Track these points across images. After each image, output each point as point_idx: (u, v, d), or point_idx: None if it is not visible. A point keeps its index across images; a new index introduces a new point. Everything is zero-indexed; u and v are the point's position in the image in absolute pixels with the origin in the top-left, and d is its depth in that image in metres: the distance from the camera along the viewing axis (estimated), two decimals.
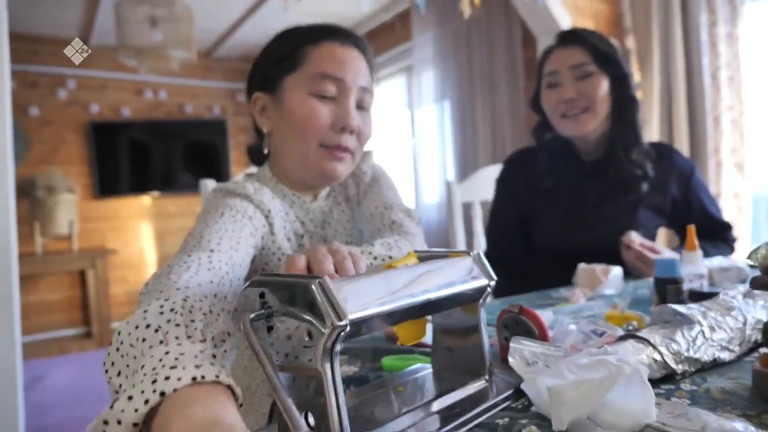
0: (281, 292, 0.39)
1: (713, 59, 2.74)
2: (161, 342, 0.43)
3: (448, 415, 0.47)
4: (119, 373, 0.44)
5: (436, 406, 0.49)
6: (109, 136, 4.66)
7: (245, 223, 0.79)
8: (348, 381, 0.60)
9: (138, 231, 4.85)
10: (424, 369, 0.59)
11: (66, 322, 4.49)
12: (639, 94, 2.85)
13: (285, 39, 0.90)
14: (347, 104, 0.86)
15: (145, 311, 0.46)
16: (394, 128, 4.56)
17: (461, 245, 1.74)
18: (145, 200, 4.88)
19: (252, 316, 0.39)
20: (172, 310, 0.46)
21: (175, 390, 0.37)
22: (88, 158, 4.60)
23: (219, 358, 0.42)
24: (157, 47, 3.31)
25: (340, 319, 0.37)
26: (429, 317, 0.56)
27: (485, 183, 1.73)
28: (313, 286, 0.37)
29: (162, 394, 0.37)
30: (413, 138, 4.22)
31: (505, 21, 3.33)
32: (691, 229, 0.91)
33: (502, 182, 1.49)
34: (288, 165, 0.91)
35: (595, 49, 1.27)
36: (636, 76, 2.91)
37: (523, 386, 0.48)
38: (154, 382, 0.38)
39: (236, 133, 5.22)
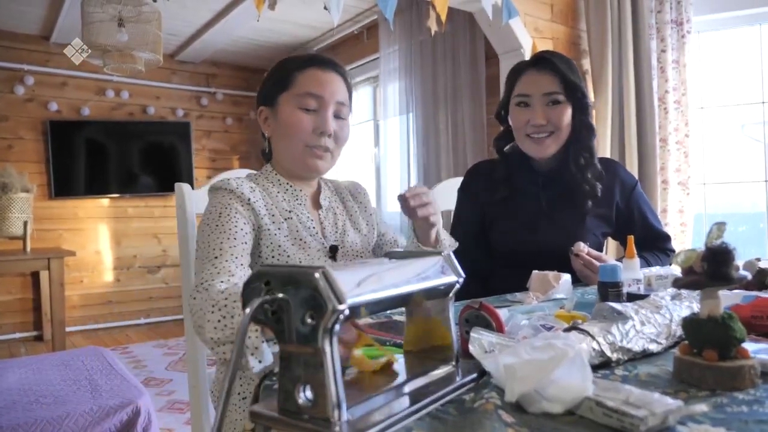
0: (286, 279, 0.46)
1: (662, 83, 2.93)
2: None
3: (421, 393, 0.55)
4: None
5: (410, 386, 0.57)
6: (67, 135, 4.57)
7: (238, 217, 1.04)
8: None
9: (95, 233, 4.76)
10: (396, 358, 0.67)
11: (16, 325, 4.37)
12: (593, 113, 3.03)
13: (282, 66, 1.17)
14: (325, 115, 1.12)
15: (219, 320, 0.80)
16: (359, 137, 4.64)
17: None
18: (103, 201, 4.80)
19: (259, 301, 0.46)
20: (232, 317, 0.79)
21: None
22: (45, 157, 4.50)
23: None
24: (123, 47, 3.29)
25: (340, 303, 0.44)
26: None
27: (447, 194, 1.83)
28: (316, 274, 0.45)
29: None
30: (378, 148, 4.31)
31: (469, 38, 3.46)
32: (631, 239, 1.02)
33: (463, 190, 1.61)
34: (282, 161, 1.18)
35: (566, 79, 1.38)
36: (590, 96, 3.08)
37: (485, 363, 0.56)
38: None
39: (200, 136, 5.20)
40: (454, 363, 0.61)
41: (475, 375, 0.58)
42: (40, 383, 2.40)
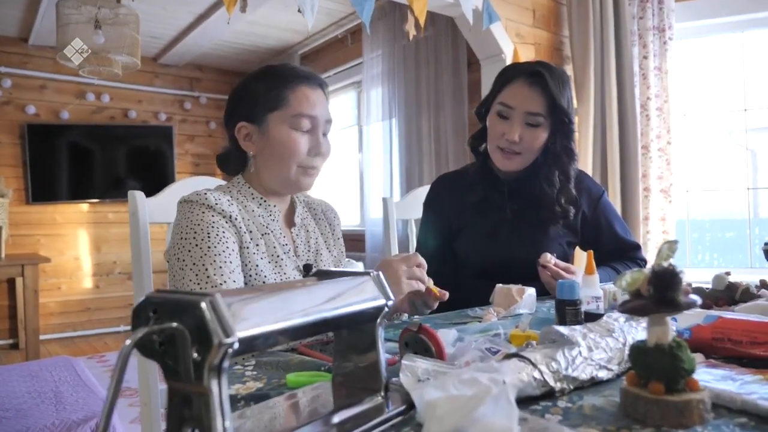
0: (173, 308, 0.41)
1: (644, 90, 2.91)
2: None
3: (341, 428, 0.50)
4: None
5: (331, 421, 0.52)
6: (46, 139, 4.48)
7: (227, 236, 1.01)
8: (249, 398, 0.62)
9: (74, 238, 4.67)
10: (326, 386, 0.62)
11: None
12: (575, 119, 2.99)
13: (266, 81, 1.11)
14: (318, 135, 1.12)
15: None
16: (343, 142, 4.59)
17: None
18: (83, 206, 4.71)
19: (144, 330, 0.41)
20: None
21: None
22: (22, 161, 4.41)
23: None
24: (100, 50, 3.22)
25: (228, 337, 0.39)
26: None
27: (421, 202, 1.78)
28: (203, 304, 0.39)
29: None
30: (361, 153, 4.27)
31: (451, 43, 3.43)
32: (590, 254, 0.97)
33: (429, 204, 1.57)
34: (269, 179, 1.13)
35: (553, 103, 1.33)
36: (573, 102, 3.05)
37: (413, 395, 0.50)
38: None
39: (183, 141, 5.13)
40: (383, 394, 0.56)
41: (402, 408, 0.53)
42: (4, 396, 2.33)
